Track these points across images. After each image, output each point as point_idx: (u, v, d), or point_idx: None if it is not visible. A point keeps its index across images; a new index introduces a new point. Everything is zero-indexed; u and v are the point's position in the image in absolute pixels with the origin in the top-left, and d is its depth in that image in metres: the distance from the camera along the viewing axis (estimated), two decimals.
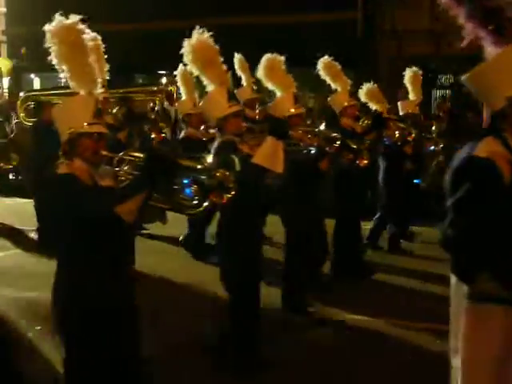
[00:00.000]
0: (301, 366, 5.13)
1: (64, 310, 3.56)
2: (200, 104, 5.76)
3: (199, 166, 3.55)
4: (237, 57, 8.37)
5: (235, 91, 8.28)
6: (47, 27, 3.78)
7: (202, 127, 8.10)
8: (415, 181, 8.90)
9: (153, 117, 7.40)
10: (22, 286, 7.10)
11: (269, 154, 4.76)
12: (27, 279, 7.31)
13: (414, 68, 8.97)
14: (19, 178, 12.31)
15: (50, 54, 3.73)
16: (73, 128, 3.52)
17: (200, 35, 4.98)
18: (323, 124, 6.62)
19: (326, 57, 7.38)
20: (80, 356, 3.56)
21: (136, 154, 3.67)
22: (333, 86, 7.39)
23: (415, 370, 5.09)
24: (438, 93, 15.68)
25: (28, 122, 8.41)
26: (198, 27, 5.00)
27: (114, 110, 7.62)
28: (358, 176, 7.26)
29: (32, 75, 19.22)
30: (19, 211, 10.94)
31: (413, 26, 14.75)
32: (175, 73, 8.09)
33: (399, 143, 8.01)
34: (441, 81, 15.56)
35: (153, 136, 7.40)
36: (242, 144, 4.91)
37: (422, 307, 6.50)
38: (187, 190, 3.64)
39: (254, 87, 8.44)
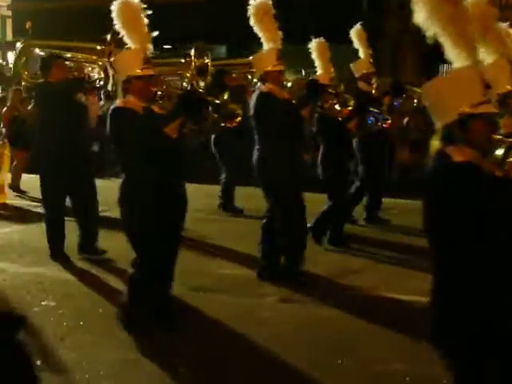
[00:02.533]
0: None
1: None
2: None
3: None
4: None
5: (351, 65, 8.14)
6: None
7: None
8: None
9: (330, 90, 6.65)
10: (28, 261, 6.92)
11: None
12: (33, 254, 7.08)
13: None
14: None
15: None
16: (461, 108, 2.91)
17: None
18: None
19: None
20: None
21: None
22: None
23: None
24: (445, 67, 15.91)
25: None
26: None
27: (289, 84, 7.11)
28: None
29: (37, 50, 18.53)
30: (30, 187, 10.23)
31: None
32: (309, 46, 7.32)
33: None
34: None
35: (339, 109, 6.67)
36: None
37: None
38: None
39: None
